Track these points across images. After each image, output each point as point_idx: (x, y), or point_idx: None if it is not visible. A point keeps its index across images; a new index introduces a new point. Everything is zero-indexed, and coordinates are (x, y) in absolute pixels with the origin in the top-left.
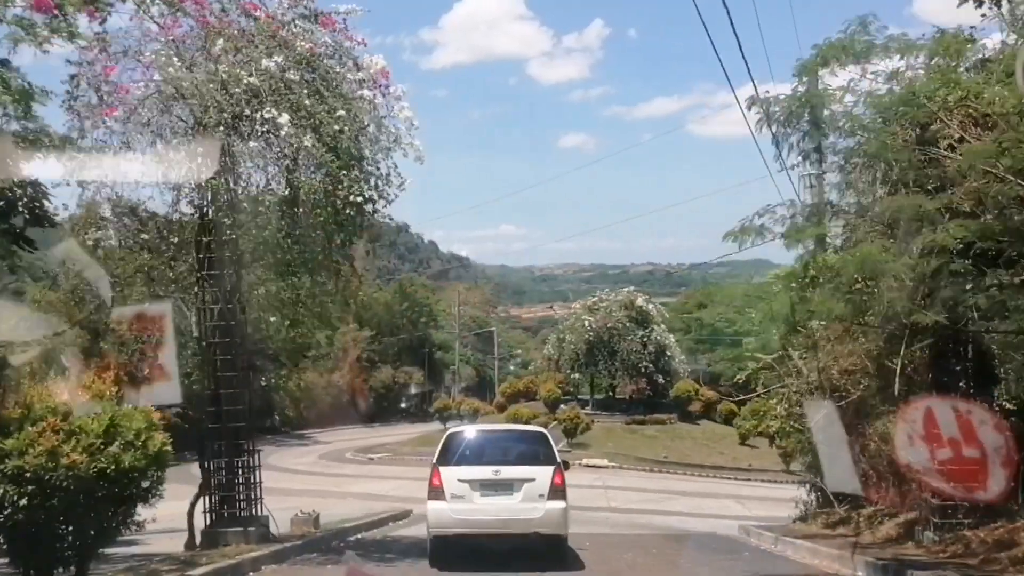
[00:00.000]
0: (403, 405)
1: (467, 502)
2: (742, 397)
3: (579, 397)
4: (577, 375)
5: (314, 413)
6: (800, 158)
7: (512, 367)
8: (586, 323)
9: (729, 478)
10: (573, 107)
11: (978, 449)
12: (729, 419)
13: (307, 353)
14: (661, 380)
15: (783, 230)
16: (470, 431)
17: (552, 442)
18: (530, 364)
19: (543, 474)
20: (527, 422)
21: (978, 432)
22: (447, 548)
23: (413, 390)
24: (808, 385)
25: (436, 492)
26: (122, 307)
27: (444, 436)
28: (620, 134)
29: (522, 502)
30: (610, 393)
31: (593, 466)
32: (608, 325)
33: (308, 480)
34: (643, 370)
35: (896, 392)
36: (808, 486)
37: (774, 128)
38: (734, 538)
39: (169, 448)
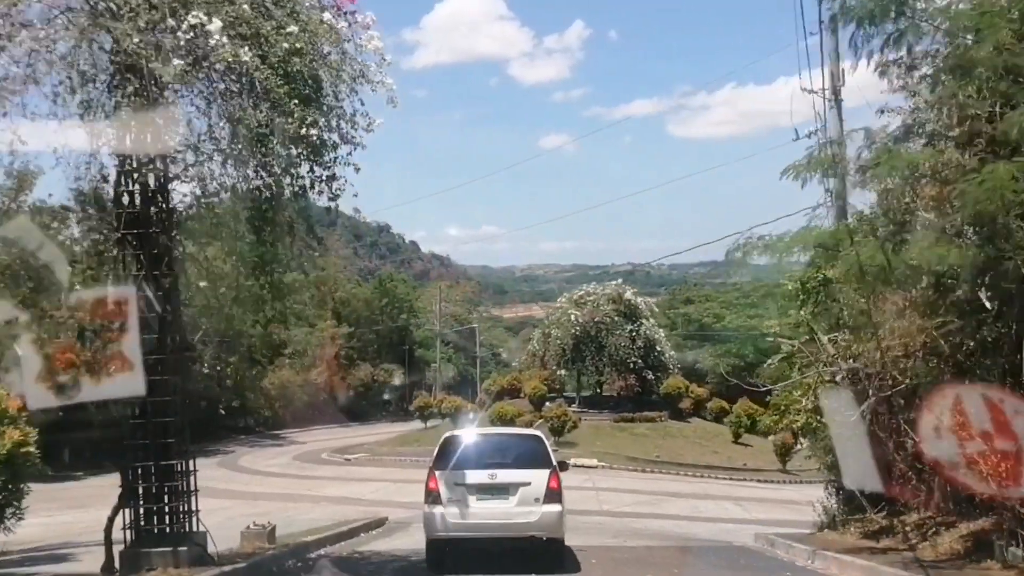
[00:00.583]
0: (386, 397)
1: (464, 506)
2: (768, 387)
3: (565, 394)
4: (563, 371)
5: (290, 412)
6: (876, 73)
7: (493, 367)
8: (573, 317)
9: (724, 478)
10: (554, 107)
11: None
12: (719, 417)
13: (276, 345)
14: (651, 376)
15: (861, 163)
16: (467, 435)
17: (548, 445)
18: (513, 362)
19: (539, 477)
20: (512, 420)
21: None
22: (444, 553)
23: (393, 387)
24: (850, 372)
25: (433, 496)
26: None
27: (440, 440)
28: (601, 134)
29: (518, 506)
30: (597, 390)
31: (582, 466)
32: (596, 319)
33: (280, 483)
34: (632, 366)
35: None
36: (834, 488)
37: (850, 29)
38: (757, 550)
39: (31, 449)
